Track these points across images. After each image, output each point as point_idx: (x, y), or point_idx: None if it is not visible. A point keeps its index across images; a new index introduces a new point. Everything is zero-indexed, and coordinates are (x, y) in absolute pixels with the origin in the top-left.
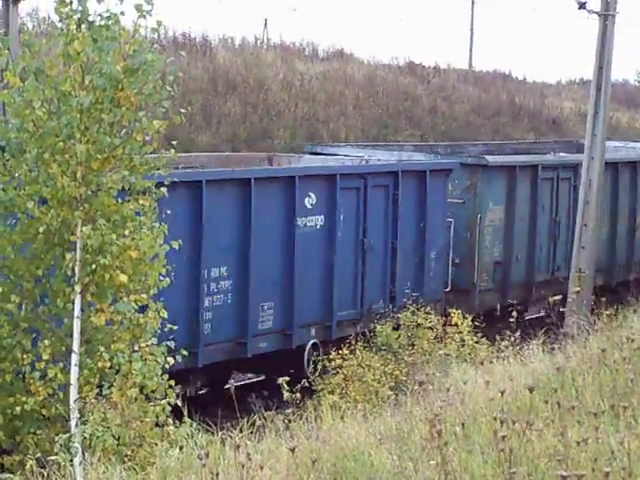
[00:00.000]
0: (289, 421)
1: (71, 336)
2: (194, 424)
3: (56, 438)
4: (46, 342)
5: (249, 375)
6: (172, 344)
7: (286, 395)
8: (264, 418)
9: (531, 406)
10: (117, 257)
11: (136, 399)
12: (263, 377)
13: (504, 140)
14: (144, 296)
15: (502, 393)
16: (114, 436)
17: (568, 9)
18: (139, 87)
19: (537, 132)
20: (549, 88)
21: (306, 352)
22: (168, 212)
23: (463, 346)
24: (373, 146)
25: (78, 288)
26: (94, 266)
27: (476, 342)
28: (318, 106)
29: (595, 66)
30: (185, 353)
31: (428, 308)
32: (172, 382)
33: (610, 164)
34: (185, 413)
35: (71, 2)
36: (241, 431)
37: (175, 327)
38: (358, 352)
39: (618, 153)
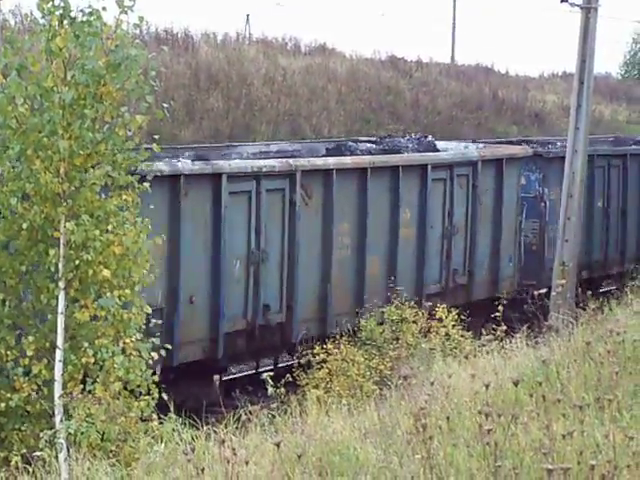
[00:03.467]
0: (274, 416)
1: (55, 332)
2: (179, 419)
3: (41, 434)
4: (30, 338)
5: (233, 370)
6: (157, 340)
7: (270, 390)
8: (249, 413)
9: (516, 399)
10: (100, 253)
11: (120, 394)
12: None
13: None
14: (127, 292)
15: (487, 387)
16: (99, 432)
17: (550, 2)
18: (121, 82)
19: (520, 126)
20: (532, 81)
21: None
22: (151, 206)
23: (448, 340)
24: None
25: (62, 284)
26: (77, 262)
27: (461, 336)
28: (301, 101)
29: (578, 59)
30: (169, 347)
31: None
32: (155, 378)
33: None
34: (171, 409)
35: None
36: (226, 426)
37: (159, 322)
38: (342, 347)
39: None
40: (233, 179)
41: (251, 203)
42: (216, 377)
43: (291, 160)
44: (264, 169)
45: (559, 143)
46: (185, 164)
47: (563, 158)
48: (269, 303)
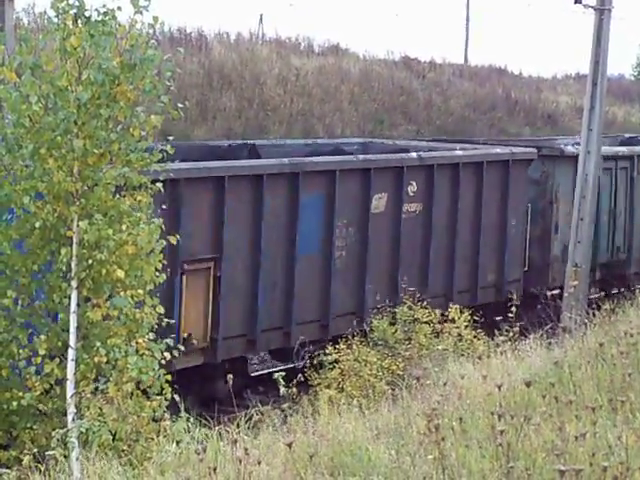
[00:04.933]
0: (286, 416)
1: (67, 331)
2: (191, 419)
3: (53, 433)
4: (42, 337)
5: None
6: (171, 341)
7: (282, 390)
8: (261, 413)
9: (529, 401)
10: (114, 252)
11: (132, 394)
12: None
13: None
14: (140, 291)
15: (499, 388)
16: (110, 431)
17: (564, 3)
18: (136, 82)
19: (533, 127)
20: (545, 82)
21: None
22: (163, 207)
23: (460, 341)
24: None
25: (74, 283)
26: (90, 261)
27: (474, 337)
28: (314, 101)
29: (591, 60)
30: (182, 348)
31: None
32: (169, 377)
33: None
34: (182, 408)
35: None
36: (238, 426)
37: (172, 321)
38: (355, 347)
39: None
40: (606, 160)
41: (611, 177)
42: (229, 376)
43: (635, 147)
44: (619, 153)
45: None
46: (574, 148)
47: None
48: (619, 245)
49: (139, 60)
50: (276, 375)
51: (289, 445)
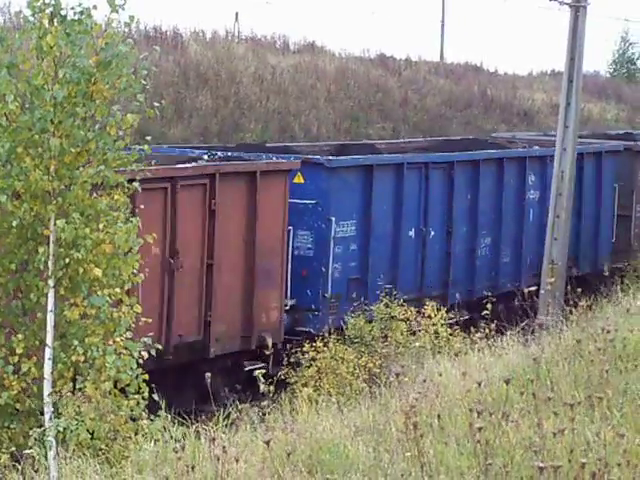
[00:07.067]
0: (264, 414)
1: (45, 330)
2: (168, 417)
3: (30, 432)
4: (20, 336)
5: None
6: (149, 340)
7: (262, 387)
8: (239, 410)
9: (507, 397)
10: (91, 251)
11: (110, 393)
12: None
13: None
14: (118, 290)
15: (479, 384)
16: (88, 430)
17: (539, 0)
18: (112, 81)
19: (509, 124)
20: (521, 80)
21: None
22: (141, 206)
23: (437, 338)
24: None
25: (51, 282)
26: (67, 260)
27: (450, 334)
28: (289, 99)
29: (567, 57)
30: (159, 347)
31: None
32: (146, 376)
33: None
34: (162, 406)
35: None
36: (216, 424)
37: (150, 320)
38: (331, 344)
39: None
40: None
41: None
42: (208, 375)
43: None
44: None
45: None
46: None
47: None
48: None
49: (114, 57)
50: (256, 372)
51: (267, 443)
